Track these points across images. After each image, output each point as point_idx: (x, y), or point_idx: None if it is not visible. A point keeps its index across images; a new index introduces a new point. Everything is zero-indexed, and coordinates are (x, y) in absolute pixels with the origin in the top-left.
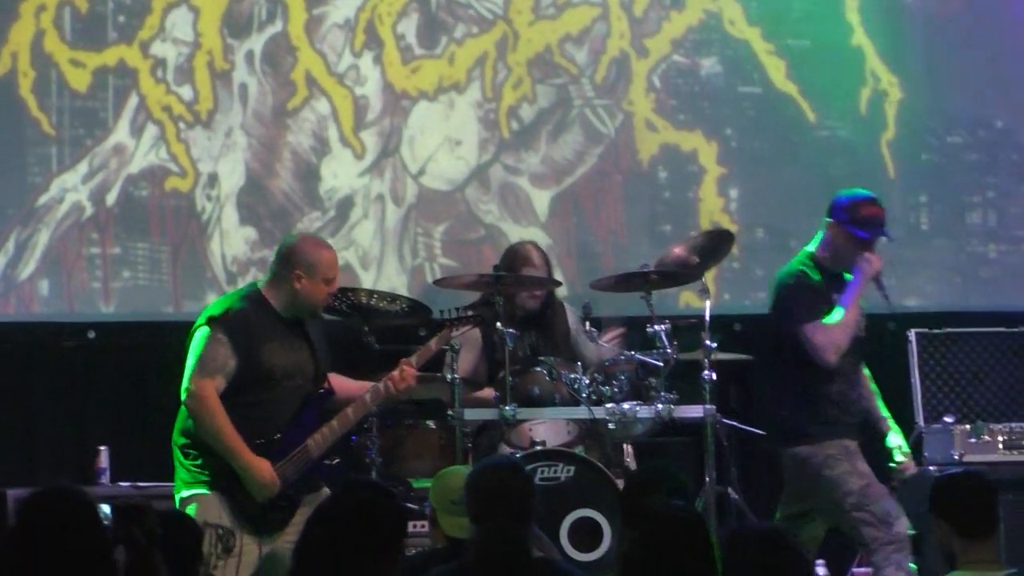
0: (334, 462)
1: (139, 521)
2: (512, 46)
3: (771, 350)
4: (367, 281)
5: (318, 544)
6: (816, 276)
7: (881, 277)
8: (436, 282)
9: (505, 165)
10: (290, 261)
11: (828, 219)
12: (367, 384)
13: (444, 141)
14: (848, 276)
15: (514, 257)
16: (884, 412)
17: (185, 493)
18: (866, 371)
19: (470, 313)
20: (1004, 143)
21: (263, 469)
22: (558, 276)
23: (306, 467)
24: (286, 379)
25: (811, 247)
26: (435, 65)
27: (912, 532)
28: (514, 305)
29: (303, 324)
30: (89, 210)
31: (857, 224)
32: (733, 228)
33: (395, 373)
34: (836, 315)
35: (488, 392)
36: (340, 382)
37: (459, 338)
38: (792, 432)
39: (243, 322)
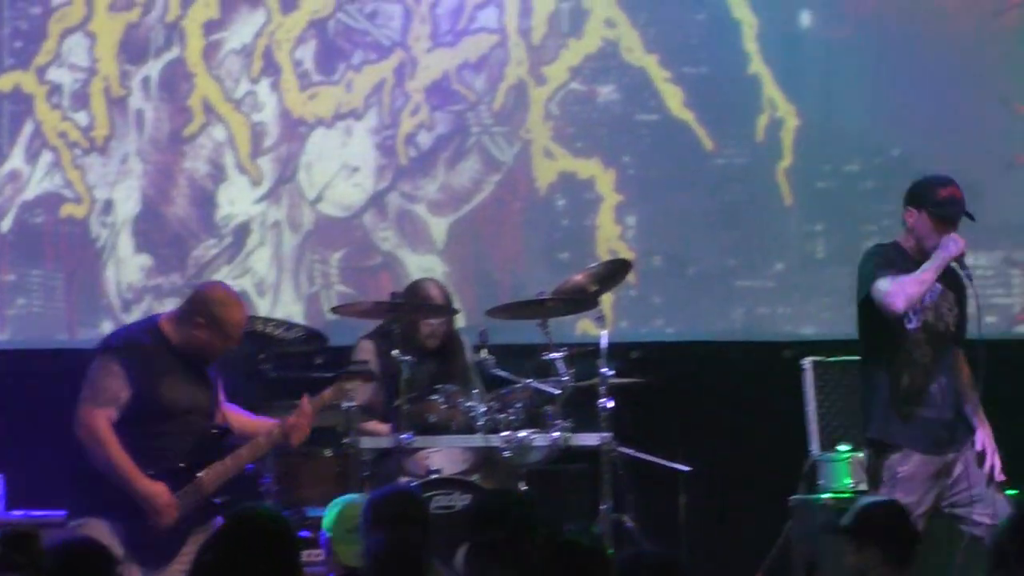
0: (224, 500)
1: (26, 549)
2: (410, 73)
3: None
4: (263, 308)
5: (210, 571)
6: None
7: (964, 258)
8: (333, 309)
9: (402, 192)
10: (198, 308)
11: (909, 207)
12: (265, 423)
13: (341, 168)
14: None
15: (415, 294)
16: None
17: (76, 521)
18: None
19: (368, 367)
20: (900, 170)
21: (161, 494)
22: (456, 304)
23: (198, 501)
24: (182, 414)
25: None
26: (332, 92)
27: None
28: (416, 340)
29: (202, 361)
30: None
31: (936, 206)
32: (630, 255)
33: (290, 419)
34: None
35: (383, 427)
36: (238, 419)
37: (352, 392)
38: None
39: (140, 354)
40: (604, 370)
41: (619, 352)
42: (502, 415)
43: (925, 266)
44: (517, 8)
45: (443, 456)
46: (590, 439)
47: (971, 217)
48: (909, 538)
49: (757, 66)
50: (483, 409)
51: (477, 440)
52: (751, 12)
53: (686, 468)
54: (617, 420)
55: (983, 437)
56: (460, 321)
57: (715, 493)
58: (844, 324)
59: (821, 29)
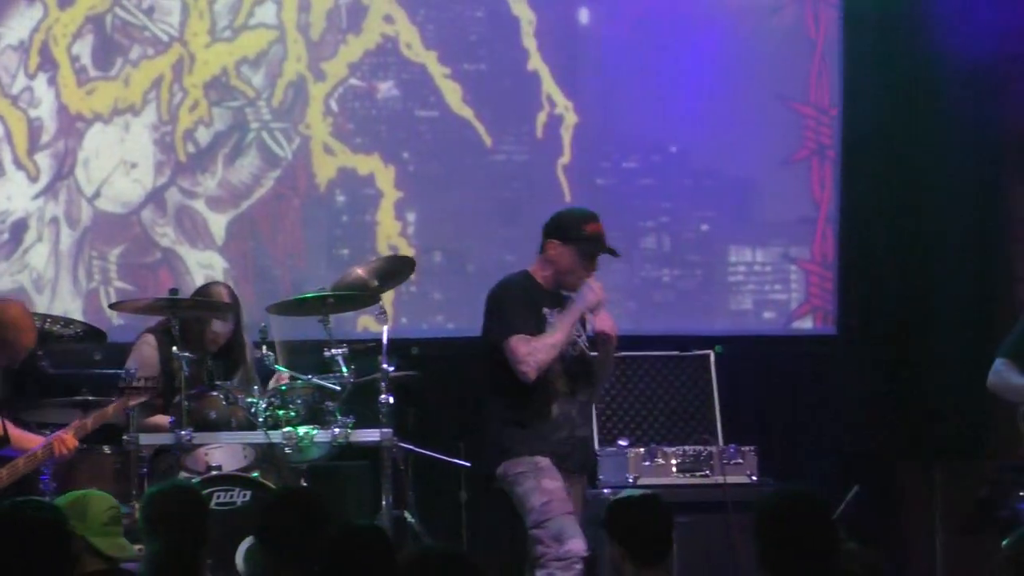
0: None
1: None
2: (188, 68)
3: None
4: (41, 305)
5: None
6: (531, 290)
7: (598, 309)
8: (111, 306)
9: (181, 188)
10: None
11: (552, 239)
12: (41, 438)
13: (119, 164)
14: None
15: (205, 298)
16: None
17: None
18: None
19: (151, 384)
20: (678, 168)
21: None
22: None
23: None
24: None
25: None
26: (110, 87)
27: (587, 554)
28: (202, 340)
29: None
30: None
31: (581, 242)
32: (410, 251)
33: (64, 435)
34: (547, 334)
35: (163, 419)
36: (16, 433)
37: (136, 405)
38: (495, 448)
39: None
40: (385, 366)
41: (400, 348)
42: (282, 411)
43: (561, 327)
44: (296, 4)
45: (223, 452)
46: (371, 435)
47: (614, 253)
48: (654, 536)
49: (536, 63)
50: (263, 406)
51: (258, 436)
52: (529, 9)
53: (467, 464)
54: (398, 416)
55: None
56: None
57: (496, 488)
58: (623, 320)
59: (599, 26)
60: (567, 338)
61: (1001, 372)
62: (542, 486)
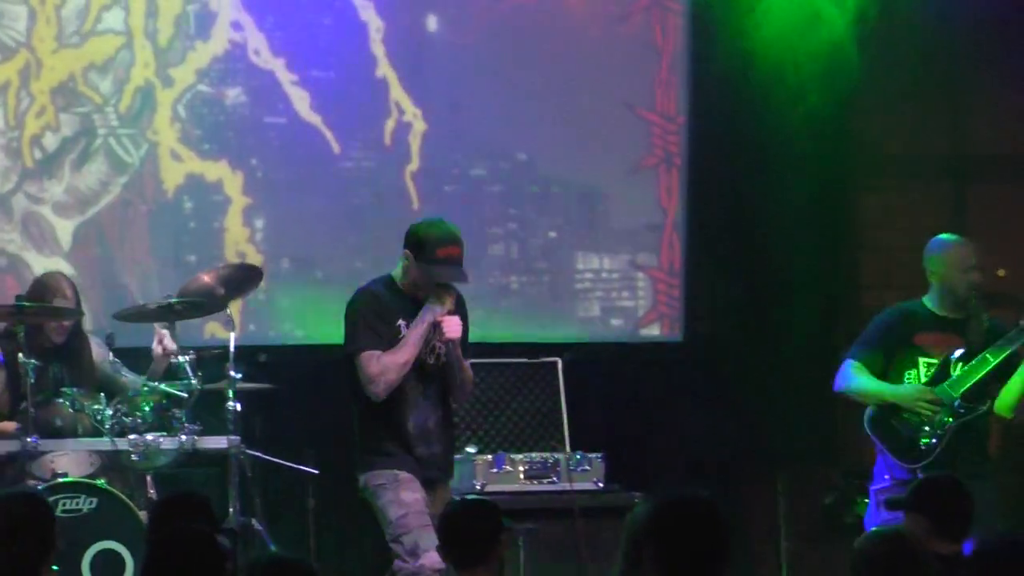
0: None
1: None
2: (35, 74)
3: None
4: None
5: None
6: (387, 298)
7: (443, 323)
8: None
9: (28, 194)
10: None
11: (408, 250)
12: None
13: None
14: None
15: (43, 289)
16: None
17: None
18: None
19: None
20: (526, 175)
21: None
22: (84, 307)
23: None
24: None
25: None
26: None
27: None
28: (41, 336)
29: None
30: None
31: (433, 263)
32: (258, 258)
33: None
34: (397, 351)
35: (9, 425)
36: None
37: None
38: (359, 457)
39: None
40: (232, 373)
41: (247, 355)
42: (129, 419)
43: (408, 338)
44: (143, 10)
45: (69, 459)
46: (218, 442)
47: (463, 279)
48: (473, 539)
49: (384, 70)
50: (110, 413)
51: (104, 443)
52: (377, 16)
53: (314, 471)
54: (245, 423)
55: None
56: (87, 324)
57: (343, 495)
58: (472, 327)
59: (447, 33)
60: (416, 353)
61: (849, 374)
62: (400, 499)
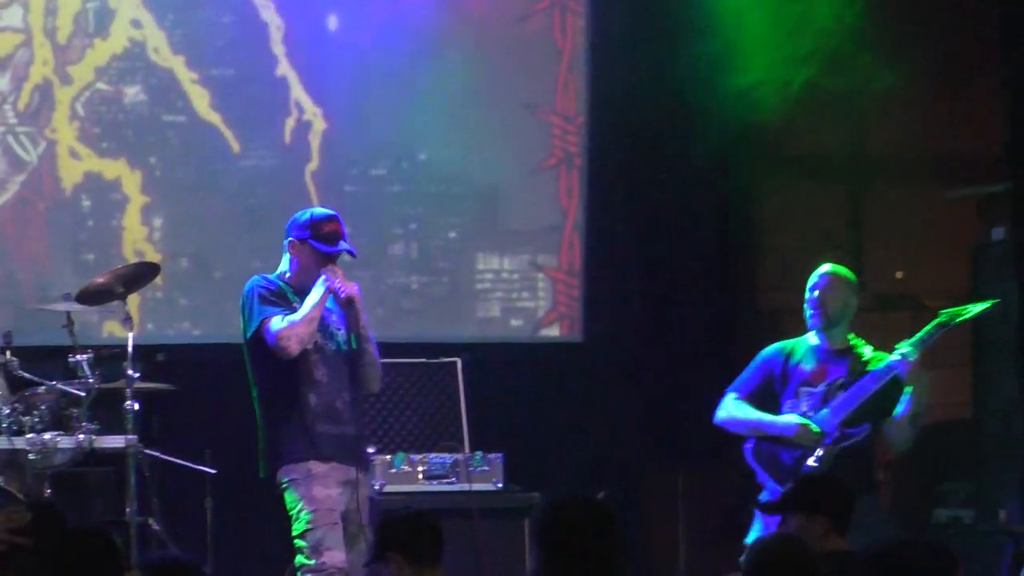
0: None
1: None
2: None
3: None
4: None
5: None
6: (279, 286)
7: (351, 296)
8: None
9: None
10: None
11: (292, 239)
12: None
13: None
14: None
15: None
16: None
17: None
18: None
19: None
20: (426, 175)
21: None
22: None
23: None
24: None
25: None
26: None
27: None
28: None
29: None
30: None
31: (321, 240)
32: (157, 257)
33: None
34: (300, 310)
35: None
36: None
37: None
38: (267, 451)
39: None
40: (130, 372)
41: (145, 354)
42: (26, 417)
43: (311, 301)
44: (42, 7)
45: None
46: (116, 441)
47: (352, 255)
48: (415, 540)
49: (284, 69)
50: (7, 411)
51: (1, 442)
52: (278, 15)
53: (212, 470)
54: (143, 422)
55: None
56: None
57: (242, 495)
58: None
59: (348, 33)
60: (319, 313)
61: (729, 407)
62: (311, 495)
